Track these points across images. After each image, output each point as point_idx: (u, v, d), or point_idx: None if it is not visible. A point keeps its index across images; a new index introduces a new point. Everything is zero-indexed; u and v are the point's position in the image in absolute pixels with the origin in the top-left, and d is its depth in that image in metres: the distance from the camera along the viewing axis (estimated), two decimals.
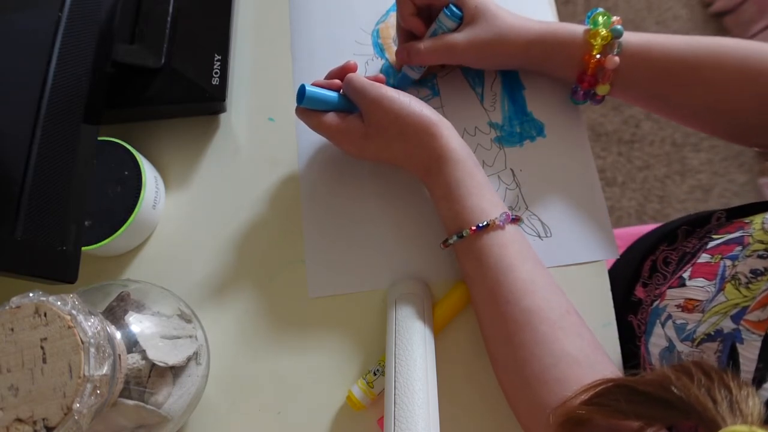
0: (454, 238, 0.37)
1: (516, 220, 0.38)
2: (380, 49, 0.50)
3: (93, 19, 0.39)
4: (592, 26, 0.40)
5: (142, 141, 0.47)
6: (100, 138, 0.41)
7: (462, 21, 0.42)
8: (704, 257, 0.38)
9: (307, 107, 0.41)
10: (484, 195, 0.38)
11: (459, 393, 0.39)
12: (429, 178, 0.39)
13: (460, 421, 0.39)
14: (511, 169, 0.44)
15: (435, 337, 0.38)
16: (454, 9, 0.41)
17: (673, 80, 0.39)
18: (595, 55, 0.39)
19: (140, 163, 0.42)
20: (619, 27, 0.39)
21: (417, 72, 0.45)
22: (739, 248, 0.35)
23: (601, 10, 0.40)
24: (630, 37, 0.39)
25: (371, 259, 0.43)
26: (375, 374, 0.38)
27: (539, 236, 0.43)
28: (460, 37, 0.41)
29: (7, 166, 0.32)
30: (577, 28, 0.41)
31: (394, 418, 0.33)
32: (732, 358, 0.30)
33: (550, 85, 0.46)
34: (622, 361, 0.40)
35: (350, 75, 0.41)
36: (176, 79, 0.44)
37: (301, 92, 0.40)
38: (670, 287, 0.39)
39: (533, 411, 0.33)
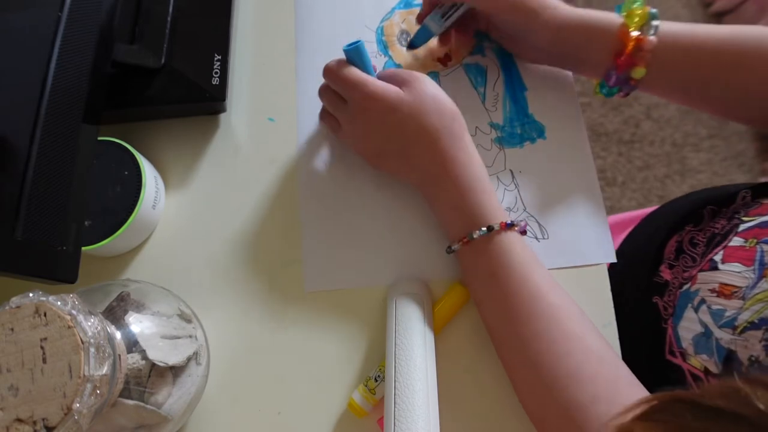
0: (483, 230, 0.36)
1: (524, 231, 0.39)
2: (384, 47, 0.50)
3: (93, 19, 0.39)
4: (625, 11, 0.40)
5: (142, 141, 0.47)
6: (100, 138, 0.41)
7: None
8: (737, 240, 0.37)
9: (350, 58, 0.41)
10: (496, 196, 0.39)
11: (459, 393, 0.39)
12: (444, 167, 0.38)
13: (460, 421, 0.39)
14: (511, 170, 0.44)
15: (435, 337, 0.39)
16: None
17: (713, 67, 0.39)
18: (632, 32, 0.38)
19: (140, 163, 0.42)
20: (654, 10, 0.39)
21: (439, 24, 0.44)
22: None
23: None
24: (669, 24, 0.39)
25: (370, 256, 0.43)
26: (376, 380, 0.38)
27: (536, 238, 0.42)
28: None
29: (7, 166, 0.32)
30: (611, 14, 0.40)
31: (394, 418, 0.33)
32: None
33: (552, 87, 0.46)
34: (648, 343, 0.40)
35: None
36: (176, 79, 0.44)
37: (355, 45, 0.40)
38: (701, 270, 0.38)
39: (564, 412, 0.32)
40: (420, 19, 0.46)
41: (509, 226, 0.36)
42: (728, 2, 1.37)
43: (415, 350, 0.36)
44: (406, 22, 0.50)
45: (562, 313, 0.34)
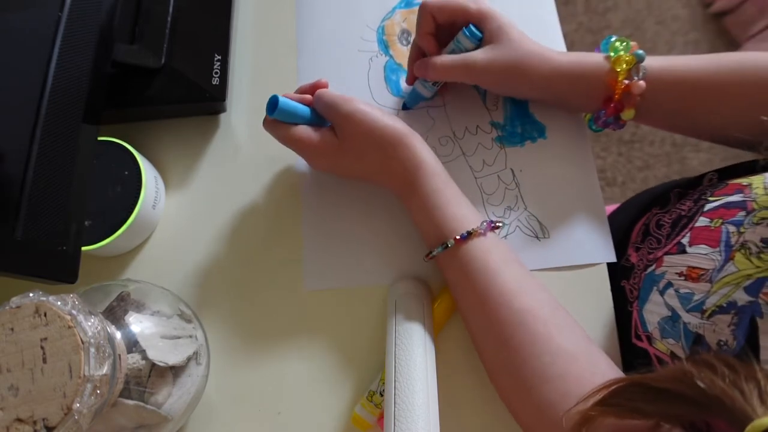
0: (439, 249, 0.37)
1: (495, 227, 0.38)
2: (385, 46, 0.50)
3: (93, 19, 0.39)
4: (612, 53, 0.39)
5: (142, 141, 0.47)
6: (100, 138, 0.42)
7: (481, 43, 0.41)
8: (702, 221, 0.37)
9: (278, 119, 0.40)
10: (461, 203, 0.38)
11: (459, 393, 0.39)
12: (406, 189, 0.39)
13: (460, 421, 0.39)
14: (511, 169, 0.44)
15: (435, 337, 0.38)
16: (474, 30, 0.41)
17: (696, 99, 0.39)
18: (622, 81, 0.39)
19: (140, 163, 0.42)
20: (640, 51, 0.39)
21: (429, 90, 0.45)
22: (743, 213, 0.34)
23: (615, 37, 0.40)
24: (651, 61, 0.39)
25: (370, 256, 0.43)
26: (382, 395, 0.38)
27: (537, 237, 0.42)
28: (479, 56, 0.40)
29: (7, 166, 0.32)
30: (598, 57, 0.40)
31: (394, 418, 0.33)
32: (751, 333, 0.30)
33: None
34: (617, 327, 0.40)
35: (321, 90, 0.40)
36: (176, 79, 0.44)
37: (273, 103, 0.39)
38: (668, 253, 0.38)
39: (538, 412, 0.33)
40: (410, 80, 0.46)
41: (464, 238, 0.36)
42: (728, 2, 1.37)
43: (415, 350, 0.36)
44: (407, 21, 0.50)
45: (528, 317, 0.34)
